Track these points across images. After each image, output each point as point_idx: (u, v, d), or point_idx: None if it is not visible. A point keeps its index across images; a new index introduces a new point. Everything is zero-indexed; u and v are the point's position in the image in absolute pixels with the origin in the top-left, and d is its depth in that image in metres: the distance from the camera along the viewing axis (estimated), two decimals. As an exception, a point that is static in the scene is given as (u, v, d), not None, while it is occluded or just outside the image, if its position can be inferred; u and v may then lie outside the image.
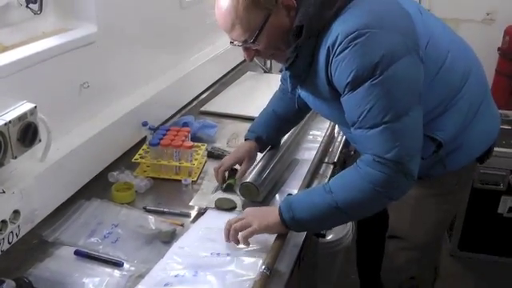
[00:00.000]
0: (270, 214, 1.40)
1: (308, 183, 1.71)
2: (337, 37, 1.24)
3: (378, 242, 1.85)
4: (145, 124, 1.93)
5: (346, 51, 1.23)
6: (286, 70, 1.40)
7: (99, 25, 1.68)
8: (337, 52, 1.24)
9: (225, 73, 2.82)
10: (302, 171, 1.78)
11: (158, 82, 2.16)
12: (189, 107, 2.39)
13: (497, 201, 2.81)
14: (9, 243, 1.35)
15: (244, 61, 2.97)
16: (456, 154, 1.51)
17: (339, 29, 1.25)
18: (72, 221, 1.51)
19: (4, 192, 1.32)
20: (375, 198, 1.29)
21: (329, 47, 1.26)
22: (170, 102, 2.23)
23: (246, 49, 1.39)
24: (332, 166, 1.88)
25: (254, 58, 1.45)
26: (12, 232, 1.36)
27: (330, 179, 1.81)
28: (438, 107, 1.38)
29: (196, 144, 1.86)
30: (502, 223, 2.85)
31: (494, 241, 2.92)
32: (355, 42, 1.22)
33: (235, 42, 1.38)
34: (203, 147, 1.88)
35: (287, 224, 1.36)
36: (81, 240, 1.43)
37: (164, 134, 1.82)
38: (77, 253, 1.37)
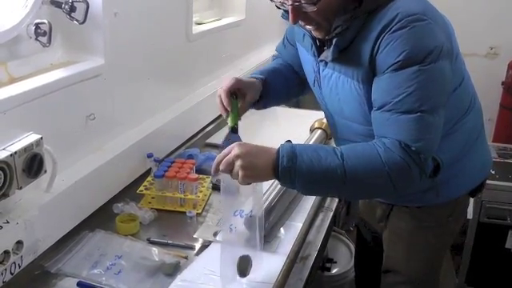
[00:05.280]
0: (261, 154, 1.26)
1: (313, 217, 1.70)
2: (396, 15, 1.24)
3: (377, 277, 1.83)
4: (150, 156, 1.94)
5: (404, 30, 1.22)
6: (333, 38, 1.34)
7: (106, 57, 1.70)
8: (393, 29, 1.24)
9: (230, 106, 2.83)
10: (307, 205, 1.77)
11: (164, 114, 2.18)
12: (194, 139, 2.40)
13: (504, 235, 2.78)
14: (11, 274, 1.34)
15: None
16: (450, 184, 1.52)
17: (399, 9, 1.25)
18: (75, 252, 1.50)
19: (8, 222, 1.32)
20: (382, 180, 1.23)
21: (384, 25, 1.25)
22: (175, 134, 2.24)
23: (295, 9, 1.29)
24: (337, 200, 1.87)
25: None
26: (14, 263, 1.35)
27: (335, 212, 1.82)
28: (445, 126, 1.37)
29: (201, 176, 1.86)
30: (510, 258, 2.81)
31: (502, 276, 2.87)
32: (414, 24, 1.22)
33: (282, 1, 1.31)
34: (208, 180, 1.87)
35: (280, 171, 1.23)
36: (84, 271, 1.42)
37: (169, 166, 1.83)
38: (79, 284, 1.36)
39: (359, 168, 1.23)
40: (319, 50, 1.45)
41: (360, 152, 1.26)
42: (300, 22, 1.35)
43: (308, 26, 1.37)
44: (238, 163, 1.23)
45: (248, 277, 1.37)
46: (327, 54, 1.39)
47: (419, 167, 1.23)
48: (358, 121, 1.44)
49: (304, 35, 1.50)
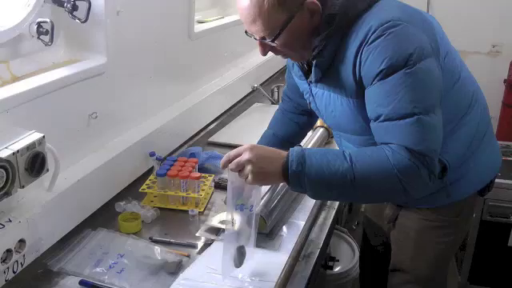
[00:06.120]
0: (272, 159, 1.29)
1: (315, 215, 1.69)
2: (370, 27, 1.25)
3: (382, 277, 1.83)
4: (152, 154, 1.94)
5: (380, 39, 1.23)
6: (312, 59, 1.38)
7: (108, 56, 1.70)
8: (370, 40, 1.25)
9: (232, 104, 2.84)
10: (310, 203, 1.77)
11: (166, 112, 2.18)
12: (196, 138, 2.40)
13: (507, 234, 2.77)
14: (13, 272, 1.35)
15: (252, 92, 3.01)
16: (460, 184, 1.51)
17: (371, 21, 1.26)
18: (77, 250, 1.50)
19: (10, 221, 1.32)
20: (392, 184, 1.23)
21: (361, 39, 1.26)
22: (177, 133, 2.24)
23: (261, 43, 1.38)
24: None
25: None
26: (17, 261, 1.35)
27: (337, 210, 1.81)
28: (446, 126, 1.37)
29: (203, 175, 1.86)
30: (513, 256, 2.80)
31: (505, 274, 2.87)
32: (389, 30, 1.23)
33: (252, 35, 1.38)
34: (210, 178, 1.88)
35: (289, 175, 1.25)
36: (86, 270, 1.42)
37: (171, 165, 1.82)
38: (82, 283, 1.36)
39: (368, 171, 1.23)
40: (306, 73, 1.48)
41: (369, 156, 1.26)
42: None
43: (278, 56, 1.44)
44: (249, 168, 1.27)
45: (251, 274, 1.37)
46: (312, 75, 1.43)
47: (427, 168, 1.23)
48: (356, 132, 1.45)
49: (293, 63, 1.54)
